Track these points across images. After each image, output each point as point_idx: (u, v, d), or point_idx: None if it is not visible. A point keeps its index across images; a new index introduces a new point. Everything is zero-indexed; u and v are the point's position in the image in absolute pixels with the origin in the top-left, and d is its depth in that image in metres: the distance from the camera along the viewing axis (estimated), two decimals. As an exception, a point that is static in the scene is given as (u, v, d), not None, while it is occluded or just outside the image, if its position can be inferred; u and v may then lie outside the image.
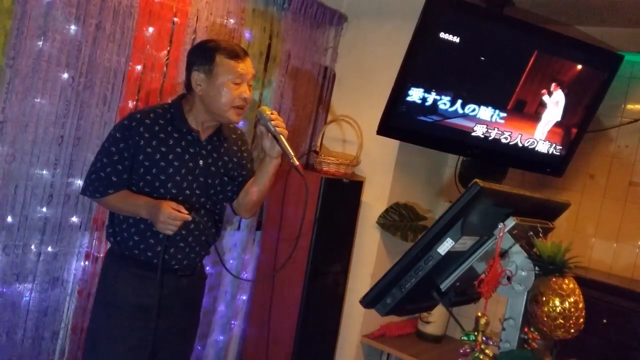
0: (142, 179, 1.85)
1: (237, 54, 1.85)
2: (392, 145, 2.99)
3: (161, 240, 1.85)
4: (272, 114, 1.85)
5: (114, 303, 1.88)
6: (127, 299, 1.87)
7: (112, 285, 1.91)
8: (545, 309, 1.23)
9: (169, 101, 2.03)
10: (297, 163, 1.80)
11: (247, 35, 2.73)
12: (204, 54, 1.85)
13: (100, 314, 1.94)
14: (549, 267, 1.26)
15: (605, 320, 2.52)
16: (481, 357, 1.25)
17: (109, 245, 2.00)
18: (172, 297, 1.93)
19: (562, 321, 1.22)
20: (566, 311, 1.22)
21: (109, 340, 1.87)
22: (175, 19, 2.42)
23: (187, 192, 1.89)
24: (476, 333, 1.27)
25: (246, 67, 1.86)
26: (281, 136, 1.83)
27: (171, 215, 1.74)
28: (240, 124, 2.74)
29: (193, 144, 1.91)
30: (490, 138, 2.79)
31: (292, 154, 1.81)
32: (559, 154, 2.94)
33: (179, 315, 1.98)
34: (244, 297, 3.07)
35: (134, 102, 2.34)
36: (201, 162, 1.92)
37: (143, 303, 1.87)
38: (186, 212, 1.78)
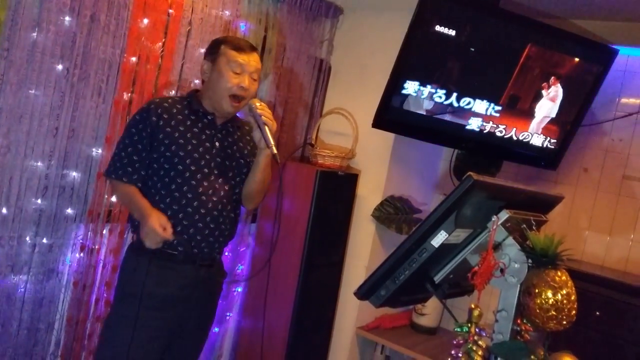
0: (162, 155, 1.91)
1: (241, 47, 1.94)
2: (387, 138, 3.00)
3: (180, 221, 1.90)
4: (260, 104, 1.93)
5: (134, 294, 1.88)
6: (147, 290, 1.88)
7: (132, 277, 1.93)
8: (538, 301, 1.24)
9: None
10: (275, 151, 1.89)
11: (242, 27, 2.72)
12: (212, 46, 1.99)
13: (119, 304, 1.97)
14: (542, 259, 1.27)
15: (597, 313, 2.54)
16: (474, 348, 1.26)
17: (129, 240, 2.04)
18: (190, 288, 1.96)
19: (554, 313, 1.23)
20: (558, 303, 1.23)
21: (126, 330, 1.87)
22: (170, 11, 2.41)
23: (206, 170, 1.94)
24: (469, 325, 1.28)
25: (248, 58, 1.93)
26: (265, 126, 1.89)
27: (155, 231, 1.77)
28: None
29: (209, 126, 1.99)
30: (485, 131, 2.80)
31: (272, 142, 1.89)
32: (553, 147, 2.95)
33: (196, 307, 2.01)
34: (239, 289, 3.08)
35: (129, 94, 2.33)
36: (217, 143, 1.99)
37: (162, 293, 1.90)
38: (171, 232, 1.80)
